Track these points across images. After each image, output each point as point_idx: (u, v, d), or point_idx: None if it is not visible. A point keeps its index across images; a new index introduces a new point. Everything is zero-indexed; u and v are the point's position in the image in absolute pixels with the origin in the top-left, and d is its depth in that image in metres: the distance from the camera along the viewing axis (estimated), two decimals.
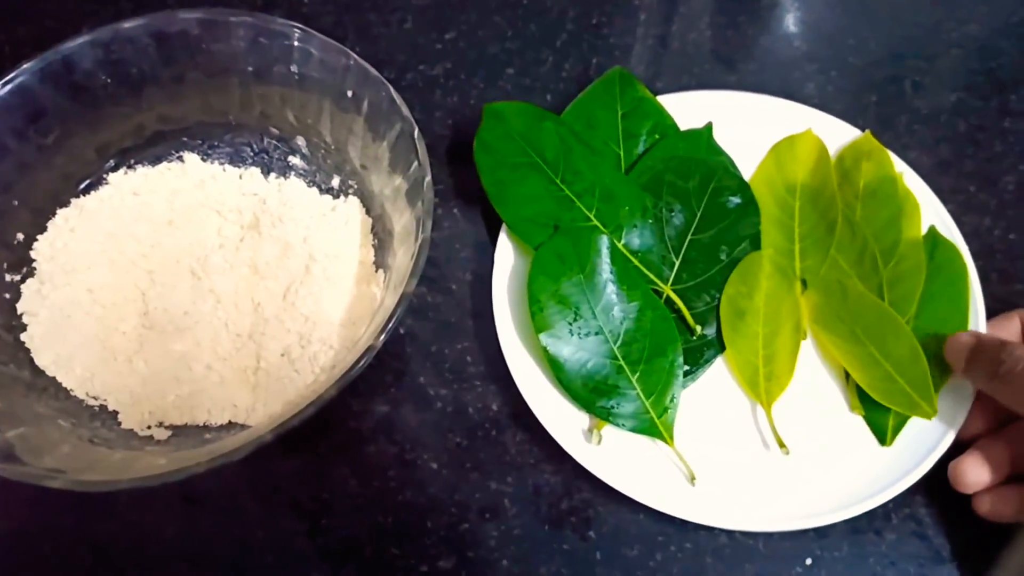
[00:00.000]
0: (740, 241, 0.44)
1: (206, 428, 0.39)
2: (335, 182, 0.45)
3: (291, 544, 0.39)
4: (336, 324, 0.41)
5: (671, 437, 0.39)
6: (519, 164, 0.44)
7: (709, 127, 0.48)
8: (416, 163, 0.38)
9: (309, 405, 0.33)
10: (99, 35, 0.41)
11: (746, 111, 0.49)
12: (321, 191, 0.45)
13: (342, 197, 0.45)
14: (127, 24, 0.41)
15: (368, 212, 0.44)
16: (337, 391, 0.33)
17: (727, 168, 0.46)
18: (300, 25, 0.41)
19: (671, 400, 0.39)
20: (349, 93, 0.42)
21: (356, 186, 0.45)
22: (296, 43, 0.42)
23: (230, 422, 0.39)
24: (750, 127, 0.49)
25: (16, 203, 0.41)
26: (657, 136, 0.47)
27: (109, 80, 0.42)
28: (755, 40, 0.55)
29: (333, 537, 0.39)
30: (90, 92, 0.42)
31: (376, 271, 0.43)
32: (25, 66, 0.40)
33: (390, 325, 0.34)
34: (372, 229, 0.44)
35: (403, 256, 0.39)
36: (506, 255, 0.44)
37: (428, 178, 0.38)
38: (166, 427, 0.39)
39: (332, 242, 0.43)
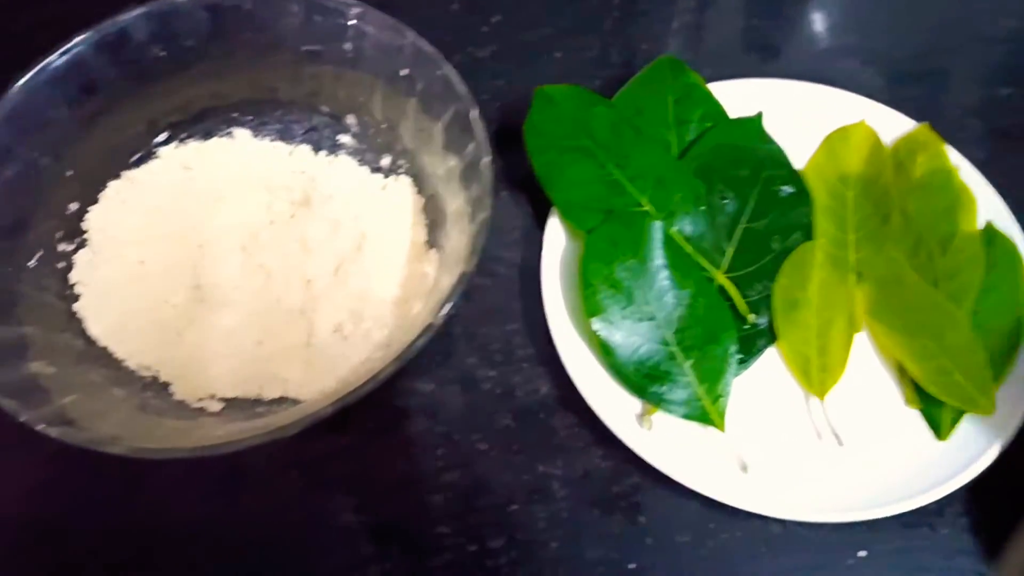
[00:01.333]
0: (792, 231, 0.43)
1: (258, 402, 0.39)
2: (385, 161, 0.45)
3: (337, 520, 0.39)
4: (388, 302, 0.40)
5: (723, 425, 0.39)
6: (570, 148, 0.44)
7: (759, 116, 0.47)
8: (473, 143, 0.38)
9: (368, 381, 0.32)
10: (154, 7, 0.40)
11: (795, 100, 0.48)
12: (371, 170, 0.45)
13: (392, 176, 0.44)
14: None
15: (419, 192, 0.43)
16: (396, 368, 0.32)
17: (779, 157, 0.46)
18: (356, 2, 0.41)
19: (724, 387, 0.39)
20: (404, 72, 0.41)
21: (407, 165, 0.44)
22: (352, 21, 0.41)
23: (281, 397, 0.39)
24: (799, 116, 0.47)
25: (69, 173, 0.41)
26: (708, 123, 0.46)
27: (163, 53, 0.42)
28: (802, 29, 0.54)
29: (380, 514, 0.39)
30: (143, 65, 0.42)
31: (428, 250, 0.42)
32: (80, 37, 0.39)
33: (450, 304, 0.34)
34: (423, 208, 0.43)
35: (458, 236, 0.39)
36: (556, 239, 0.43)
37: (487, 158, 0.37)
38: (218, 399, 0.39)
39: (383, 221, 0.42)
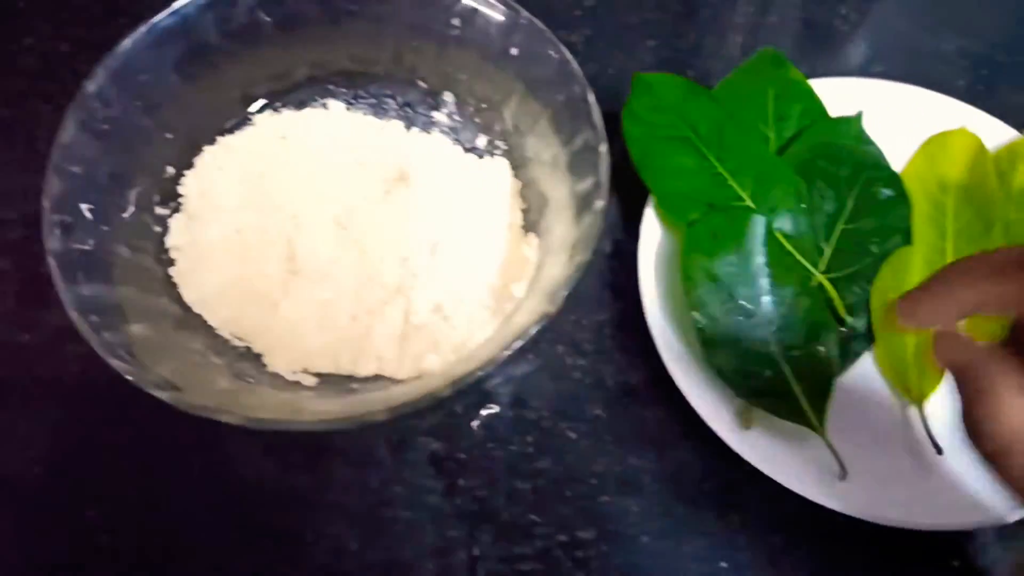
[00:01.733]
0: (891, 234, 0.43)
1: (351, 378, 0.39)
2: (480, 142, 0.44)
3: (427, 501, 0.38)
4: (487, 284, 0.40)
5: (823, 428, 0.38)
6: (671, 138, 0.43)
7: (859, 116, 0.46)
8: (588, 129, 0.37)
9: (487, 363, 0.31)
10: None
11: (892, 102, 0.47)
12: (465, 149, 0.44)
13: (487, 157, 0.43)
14: None
15: (516, 174, 0.43)
16: (511, 352, 0.32)
17: (878, 159, 0.45)
18: None
19: (824, 389, 0.38)
20: (514, 51, 0.40)
21: (505, 147, 0.43)
22: None
23: (376, 375, 0.39)
24: (895, 118, 0.46)
25: (168, 136, 0.40)
26: (807, 121, 0.45)
27: (268, 19, 0.41)
28: (902, 30, 0.53)
29: (470, 497, 0.38)
30: (248, 30, 0.41)
31: (525, 235, 0.41)
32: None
33: (565, 292, 0.33)
34: (520, 192, 0.42)
35: (563, 222, 0.38)
36: (652, 229, 0.42)
37: (605, 145, 0.36)
38: (312, 374, 0.38)
39: (480, 202, 0.42)
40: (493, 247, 0.41)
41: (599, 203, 0.35)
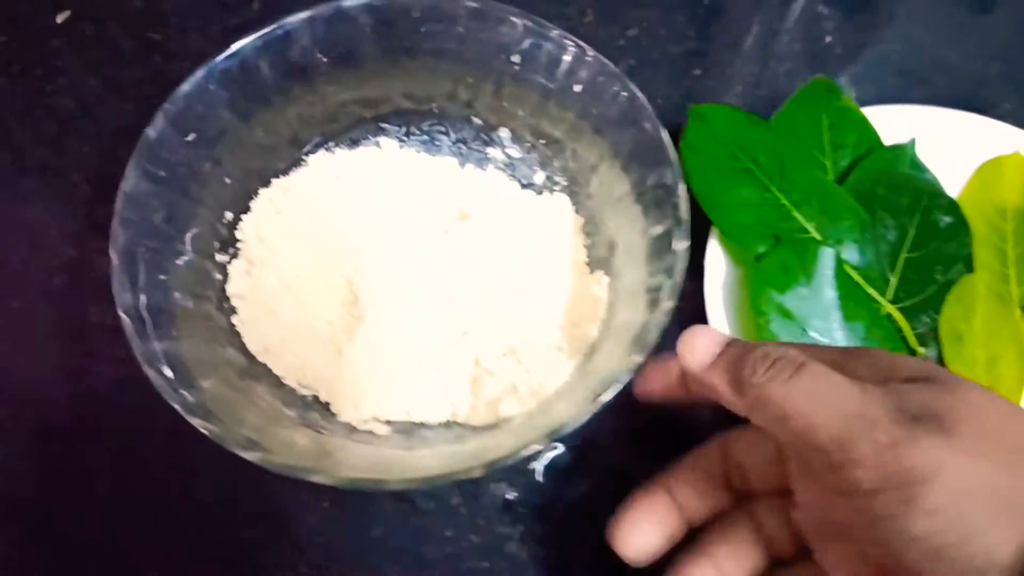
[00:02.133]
0: (954, 262, 0.42)
1: (423, 426, 0.38)
2: (538, 178, 0.43)
3: (503, 548, 0.38)
4: (558, 325, 0.39)
5: None
6: (731, 169, 0.42)
7: (912, 143, 0.46)
8: (665, 167, 0.36)
9: (578, 413, 0.31)
10: (320, 11, 0.39)
11: (943, 127, 0.46)
12: (521, 186, 0.43)
13: (546, 193, 0.43)
14: (348, 2, 0.39)
15: (577, 211, 0.42)
16: (607, 400, 0.31)
17: (935, 186, 0.44)
18: (527, 14, 0.39)
19: None
20: (577, 88, 0.39)
21: (564, 183, 0.42)
22: (521, 31, 0.39)
23: (448, 421, 0.38)
24: (947, 144, 0.46)
25: (227, 180, 0.40)
26: (862, 149, 0.45)
27: (324, 59, 0.40)
28: (944, 55, 0.53)
29: (549, 546, 0.38)
30: (303, 70, 0.40)
31: (591, 272, 0.41)
32: (246, 40, 0.38)
33: (655, 339, 0.32)
34: (582, 228, 0.42)
35: (636, 262, 0.37)
36: (716, 262, 0.42)
37: (683, 185, 0.35)
38: (383, 422, 0.37)
39: (544, 239, 0.41)
40: (560, 286, 0.40)
41: (682, 244, 0.34)
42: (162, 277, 0.36)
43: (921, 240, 0.43)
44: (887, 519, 0.24)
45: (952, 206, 0.44)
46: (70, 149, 0.50)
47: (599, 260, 0.41)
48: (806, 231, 0.42)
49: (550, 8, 0.53)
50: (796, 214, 0.42)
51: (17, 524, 0.39)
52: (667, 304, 0.33)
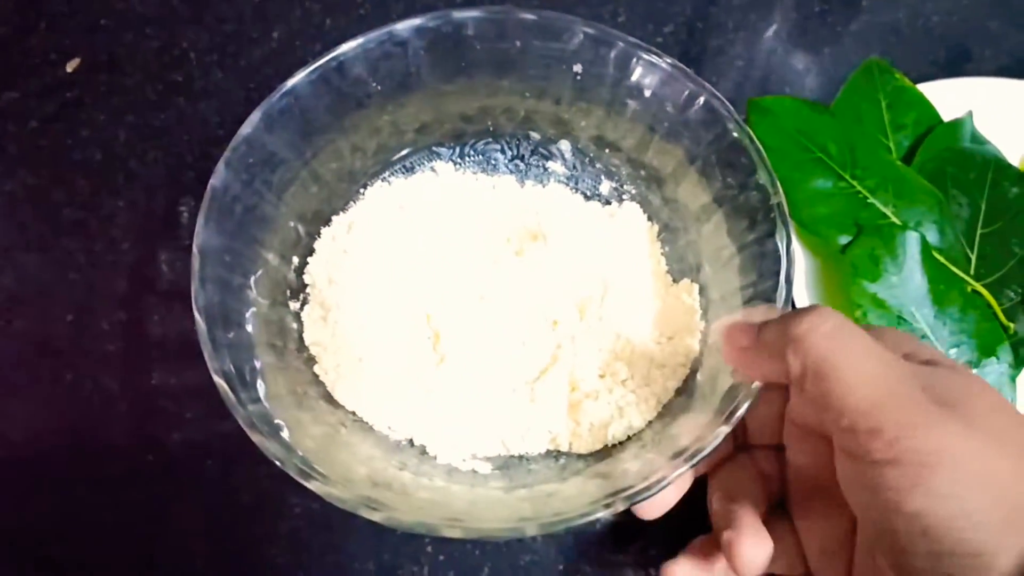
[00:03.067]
0: None
1: (523, 459, 0.36)
2: (604, 188, 0.41)
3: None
4: (651, 340, 0.37)
5: None
6: (802, 161, 0.41)
7: (970, 116, 0.45)
8: (758, 168, 0.34)
9: (705, 438, 0.29)
10: (371, 38, 0.37)
11: (995, 98, 0.46)
12: (586, 198, 0.41)
13: (614, 203, 0.41)
14: (400, 26, 0.37)
15: (650, 219, 0.40)
16: (741, 415, 0.30)
17: (999, 158, 0.44)
18: (590, 22, 0.37)
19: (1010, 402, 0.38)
20: (647, 94, 0.37)
21: (633, 191, 0.41)
22: (581, 40, 0.37)
23: (549, 450, 0.36)
24: (1002, 115, 0.45)
25: (291, 223, 0.38)
26: (923, 127, 0.44)
27: (377, 87, 0.38)
28: (986, 25, 0.51)
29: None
30: (357, 99, 0.38)
31: (673, 282, 0.39)
32: (300, 75, 0.36)
33: None
34: (659, 236, 0.40)
35: (724, 269, 0.36)
36: (798, 256, 0.41)
37: (780, 191, 0.33)
38: (483, 459, 0.36)
39: (622, 251, 0.39)
40: (646, 299, 0.38)
41: (788, 246, 0.32)
42: (243, 333, 0.34)
43: (993, 214, 0.42)
44: (887, 490, 0.24)
45: (1019, 176, 0.43)
46: (105, 204, 0.48)
47: (681, 270, 0.39)
48: (886, 217, 0.41)
49: (583, 10, 0.51)
50: (873, 200, 0.41)
51: None
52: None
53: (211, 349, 0.32)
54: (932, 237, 0.41)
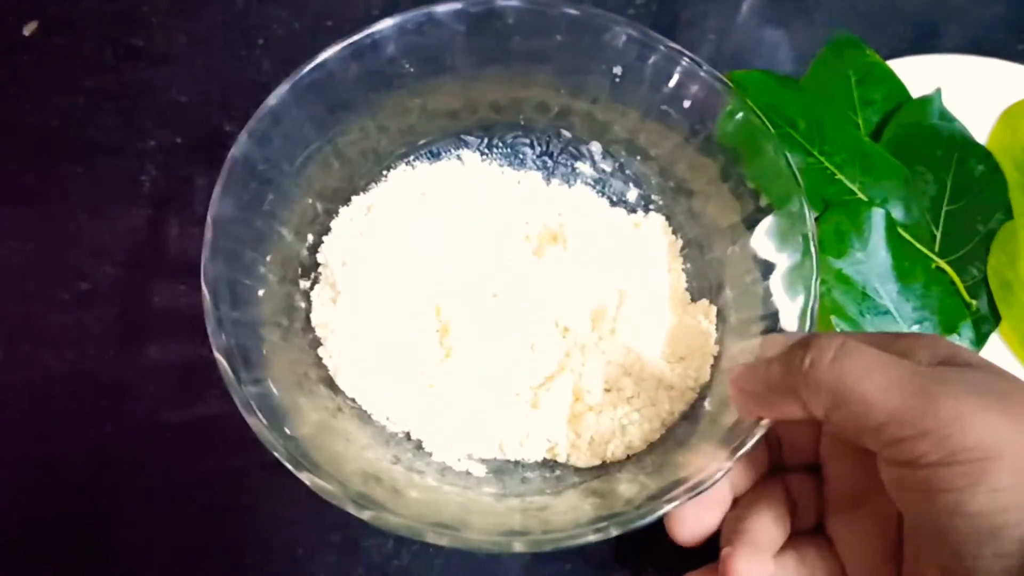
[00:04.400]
0: (993, 210, 0.43)
1: (519, 465, 0.35)
2: (631, 195, 0.41)
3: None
4: (663, 359, 0.37)
5: None
6: None
7: (939, 93, 0.46)
8: (793, 195, 0.34)
9: (718, 469, 0.29)
10: (409, 18, 0.35)
11: (962, 75, 0.47)
12: (612, 203, 0.41)
13: (640, 212, 0.40)
14: (440, 8, 0.36)
15: (675, 232, 0.40)
16: (736, 459, 0.29)
17: (966, 135, 0.45)
18: (634, 23, 0.36)
19: None
20: (686, 104, 0.37)
21: (661, 202, 0.40)
22: (624, 41, 0.36)
23: (545, 459, 0.36)
24: (969, 91, 0.47)
25: (310, 200, 0.36)
26: (891, 104, 0.45)
27: (411, 68, 0.37)
28: (959, 2, 0.53)
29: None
30: (388, 79, 0.37)
31: (692, 302, 0.38)
32: (333, 50, 0.34)
33: None
34: (682, 252, 0.39)
35: (746, 295, 0.36)
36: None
37: (812, 216, 0.33)
38: (477, 460, 0.35)
39: (642, 263, 0.38)
40: (661, 315, 0.38)
41: (815, 275, 0.32)
42: (250, 310, 0.32)
43: (959, 191, 0.44)
44: (945, 492, 0.24)
45: (985, 154, 0.45)
46: (63, 172, 0.45)
47: (700, 289, 0.39)
48: (852, 193, 0.41)
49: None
50: (841, 176, 0.41)
51: None
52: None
53: (215, 325, 0.30)
54: (898, 213, 0.42)
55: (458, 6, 0.36)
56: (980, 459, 0.23)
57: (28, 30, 0.48)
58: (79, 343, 0.41)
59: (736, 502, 0.32)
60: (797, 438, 0.33)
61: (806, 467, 0.33)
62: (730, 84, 0.36)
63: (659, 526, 0.34)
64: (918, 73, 0.46)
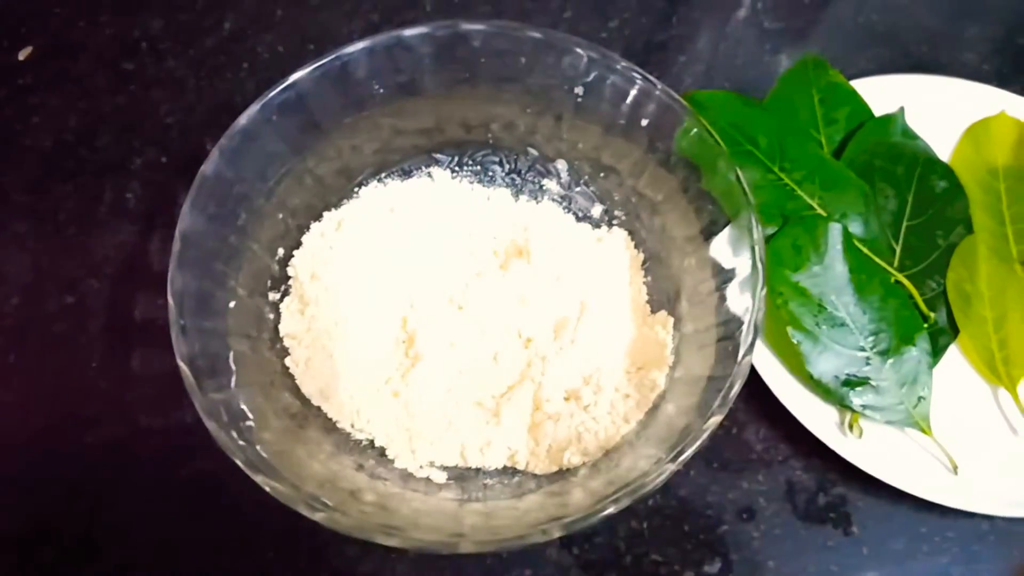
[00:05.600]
0: (953, 225, 0.44)
1: (481, 472, 0.36)
2: (595, 211, 0.42)
3: (546, 555, 0.37)
4: (622, 369, 0.37)
5: (929, 427, 0.39)
6: (733, 154, 0.42)
7: (902, 112, 0.47)
8: (743, 209, 0.35)
9: (652, 473, 0.30)
10: (379, 41, 0.37)
11: (927, 94, 0.49)
12: (577, 219, 0.42)
13: (604, 227, 0.41)
14: (408, 32, 0.37)
15: (637, 247, 0.41)
16: (685, 460, 0.30)
17: (928, 152, 0.46)
18: (595, 45, 0.38)
19: (924, 389, 0.39)
20: (644, 123, 0.38)
21: (623, 217, 0.41)
22: (586, 63, 0.38)
23: (505, 467, 0.36)
24: (933, 110, 0.48)
25: (280, 215, 0.37)
26: (854, 122, 0.46)
27: (380, 89, 0.38)
28: (922, 22, 0.55)
29: (591, 546, 0.38)
30: (359, 100, 0.38)
31: (651, 313, 0.39)
32: (303, 72, 0.36)
33: (734, 394, 0.32)
34: (643, 265, 0.40)
35: (701, 305, 0.37)
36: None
37: (759, 229, 0.34)
38: (438, 467, 0.36)
39: (604, 276, 0.39)
40: (622, 327, 0.39)
41: (760, 286, 0.33)
42: (218, 320, 0.33)
43: (920, 207, 0.44)
44: None
45: (947, 171, 0.46)
46: (54, 189, 0.47)
47: (660, 301, 0.40)
48: (811, 208, 0.42)
49: (531, 4, 0.53)
50: (800, 192, 0.43)
51: None
52: (747, 359, 0.32)
53: (179, 333, 0.31)
54: (856, 228, 0.43)
55: (425, 30, 0.37)
56: None
57: (23, 54, 0.50)
58: (66, 353, 0.43)
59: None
60: None
61: None
62: (684, 103, 0.37)
63: (623, 533, 0.36)
64: (884, 92, 0.48)
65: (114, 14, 0.52)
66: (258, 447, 0.30)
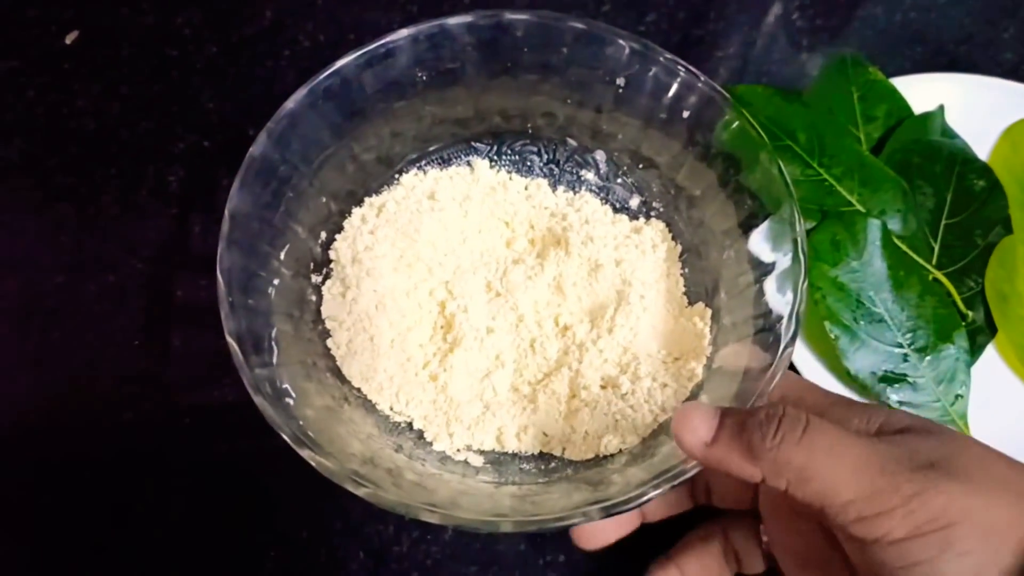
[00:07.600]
0: (992, 225, 0.44)
1: (516, 457, 0.36)
2: (633, 202, 0.41)
3: None
4: (659, 358, 0.37)
5: (967, 425, 0.39)
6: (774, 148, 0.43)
7: (942, 110, 0.47)
8: (784, 201, 0.34)
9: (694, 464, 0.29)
10: (423, 29, 0.36)
11: (966, 93, 0.47)
12: (615, 210, 0.41)
13: (641, 219, 0.41)
14: (451, 20, 0.37)
15: (675, 238, 0.40)
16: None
17: (967, 151, 0.46)
18: (638, 37, 0.37)
19: (962, 387, 0.39)
20: (685, 115, 0.38)
21: (661, 209, 0.41)
22: (628, 54, 0.37)
23: (542, 452, 0.36)
24: (972, 109, 0.47)
25: (323, 199, 0.37)
26: (893, 120, 0.46)
27: (423, 77, 0.38)
28: (959, 21, 0.54)
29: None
30: (402, 88, 0.38)
31: (688, 304, 0.39)
32: (348, 58, 0.36)
33: (771, 387, 0.31)
34: (681, 257, 0.40)
35: (739, 298, 0.36)
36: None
37: (802, 223, 0.34)
38: (476, 451, 0.36)
39: (643, 267, 0.39)
40: (658, 317, 0.38)
41: (802, 279, 0.33)
42: (263, 300, 0.33)
43: (958, 205, 0.44)
44: (919, 564, 0.24)
45: (985, 170, 0.45)
46: (96, 172, 0.48)
47: (698, 293, 0.39)
48: (850, 204, 0.42)
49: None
50: (839, 188, 0.42)
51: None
52: (789, 351, 0.32)
53: (228, 310, 0.31)
54: (895, 225, 0.42)
55: (469, 19, 0.37)
56: (943, 527, 0.24)
57: (69, 39, 0.51)
58: (106, 333, 0.44)
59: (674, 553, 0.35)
60: (727, 485, 0.34)
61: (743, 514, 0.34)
62: (727, 95, 0.36)
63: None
64: (920, 91, 0.47)
65: (156, 2, 0.52)
66: (301, 422, 0.30)
